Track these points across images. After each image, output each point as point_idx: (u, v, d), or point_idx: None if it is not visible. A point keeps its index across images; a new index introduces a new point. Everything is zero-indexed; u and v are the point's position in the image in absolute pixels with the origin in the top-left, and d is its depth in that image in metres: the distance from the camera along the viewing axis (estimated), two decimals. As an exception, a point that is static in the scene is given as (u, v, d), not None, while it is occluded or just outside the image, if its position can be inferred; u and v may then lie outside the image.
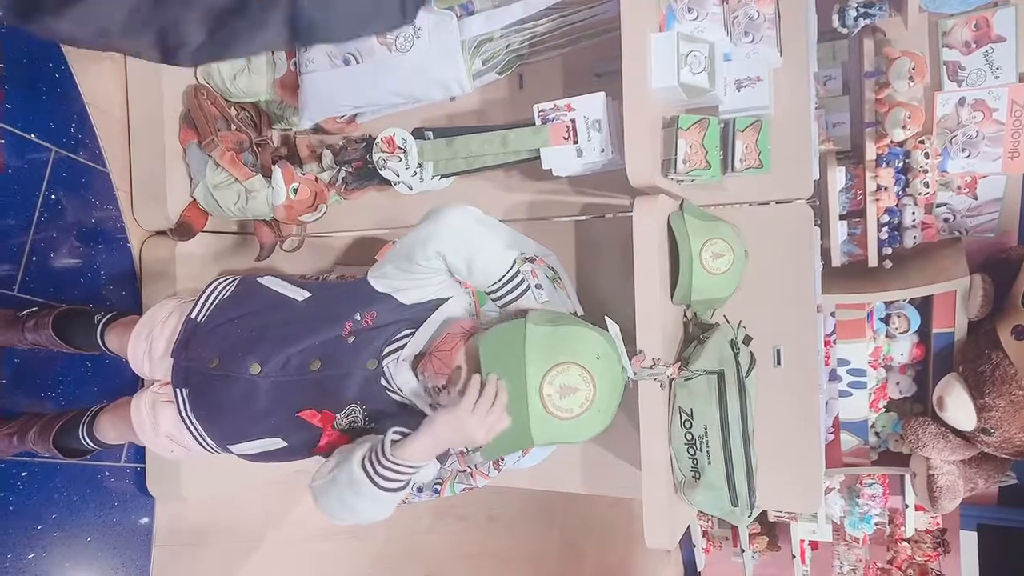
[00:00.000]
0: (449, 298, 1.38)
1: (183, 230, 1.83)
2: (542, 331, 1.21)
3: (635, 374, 1.30)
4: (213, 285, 1.53)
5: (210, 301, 1.50)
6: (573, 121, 1.41)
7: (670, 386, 1.39)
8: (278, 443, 1.38)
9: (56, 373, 1.72)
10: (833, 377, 2.74)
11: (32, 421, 1.59)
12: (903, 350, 2.94)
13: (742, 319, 1.48)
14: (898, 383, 2.83)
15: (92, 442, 1.59)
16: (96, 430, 1.57)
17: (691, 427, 1.35)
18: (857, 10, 2.97)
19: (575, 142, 1.41)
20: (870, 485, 3.27)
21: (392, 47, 1.49)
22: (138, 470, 1.89)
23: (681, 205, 1.46)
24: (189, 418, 1.42)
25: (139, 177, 1.84)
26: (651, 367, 1.32)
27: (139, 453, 1.89)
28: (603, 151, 1.41)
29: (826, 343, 2.62)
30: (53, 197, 1.70)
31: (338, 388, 1.34)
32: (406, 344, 1.34)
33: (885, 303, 2.94)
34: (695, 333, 1.47)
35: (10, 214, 1.63)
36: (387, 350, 1.34)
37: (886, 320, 2.93)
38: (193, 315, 1.48)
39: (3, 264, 1.62)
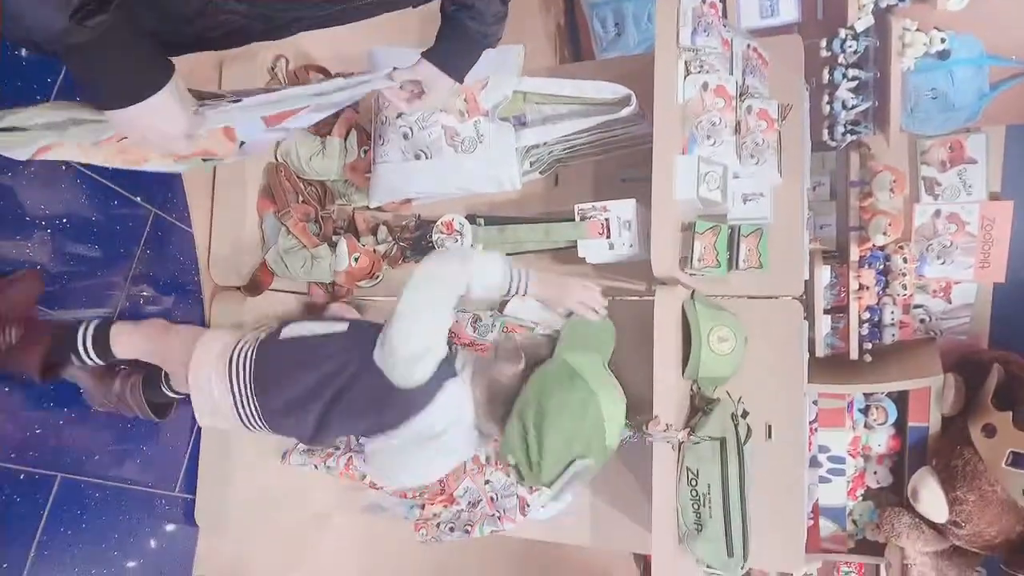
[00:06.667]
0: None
1: (253, 287, 2.09)
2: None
3: (652, 436, 1.54)
4: (234, 362, 1.56)
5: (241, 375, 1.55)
6: (607, 220, 1.69)
7: (679, 449, 1.63)
8: None
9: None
10: (814, 463, 2.93)
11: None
12: (880, 441, 3.13)
13: (740, 396, 1.73)
14: (875, 473, 2.98)
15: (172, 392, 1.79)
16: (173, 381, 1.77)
17: (696, 485, 1.59)
18: (845, 127, 3.34)
19: (608, 237, 1.70)
20: (847, 573, 3.42)
21: (458, 148, 1.79)
22: (188, 500, 2.08)
23: (692, 295, 1.74)
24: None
25: (219, 239, 2.10)
26: (665, 431, 1.57)
27: (190, 484, 2.09)
28: (631, 246, 1.69)
29: (808, 430, 2.81)
30: (149, 252, 1.95)
31: None
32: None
33: (864, 395, 3.12)
34: (700, 405, 1.72)
35: (113, 265, 1.88)
36: None
37: (865, 411, 3.12)
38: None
39: (101, 308, 1.86)
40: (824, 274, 3.45)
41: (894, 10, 3.08)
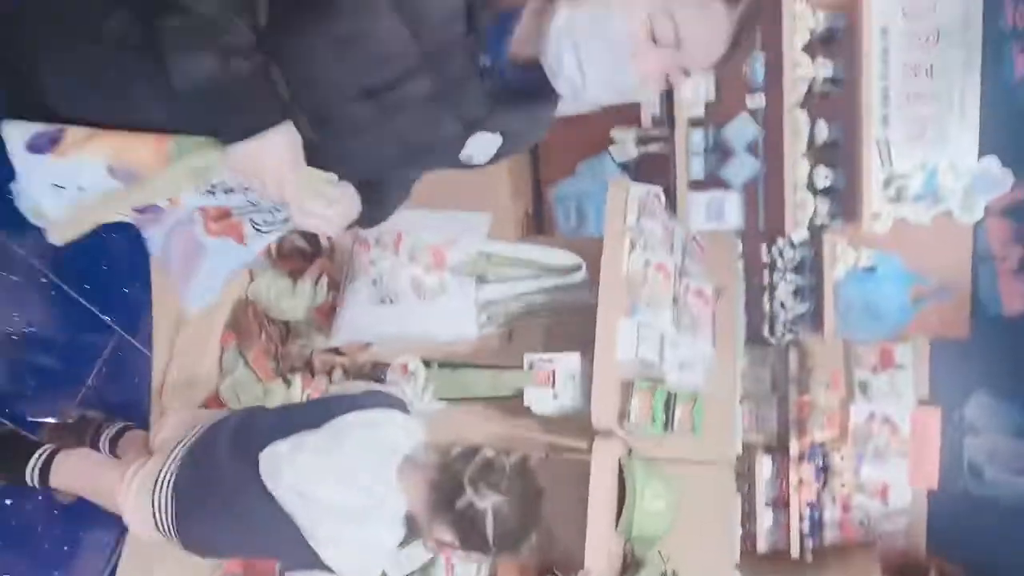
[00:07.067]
0: None
1: (202, 415, 2.11)
2: None
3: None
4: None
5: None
6: (554, 371, 1.81)
7: (608, 604, 1.63)
8: None
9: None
10: (757, 669, 2.84)
11: None
12: (824, 650, 3.05)
13: (669, 556, 1.76)
14: None
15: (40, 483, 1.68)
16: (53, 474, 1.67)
17: (623, 643, 1.57)
18: (784, 326, 3.58)
19: (553, 386, 1.80)
20: None
21: (422, 297, 1.93)
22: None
23: (630, 452, 1.81)
24: None
25: (178, 366, 2.15)
26: (595, 584, 1.58)
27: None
28: (573, 398, 1.79)
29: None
30: (104, 370, 2.00)
31: None
32: None
33: (807, 600, 3.09)
34: (631, 563, 1.74)
35: (70, 378, 1.92)
36: None
37: (808, 615, 3.06)
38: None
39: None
40: (765, 466, 3.52)
41: (827, 227, 3.44)
